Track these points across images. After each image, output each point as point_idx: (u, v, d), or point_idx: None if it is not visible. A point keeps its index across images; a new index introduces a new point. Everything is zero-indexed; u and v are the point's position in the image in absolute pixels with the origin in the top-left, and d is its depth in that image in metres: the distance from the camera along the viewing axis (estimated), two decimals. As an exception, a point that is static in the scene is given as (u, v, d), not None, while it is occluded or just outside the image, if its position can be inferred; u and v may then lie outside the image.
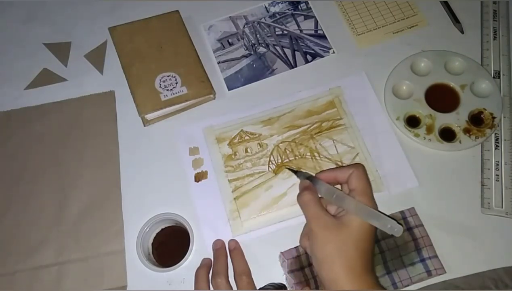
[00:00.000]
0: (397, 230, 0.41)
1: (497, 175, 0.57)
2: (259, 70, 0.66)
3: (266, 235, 0.56)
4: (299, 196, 0.47)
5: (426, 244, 0.52)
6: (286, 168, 0.56)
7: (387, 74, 0.63)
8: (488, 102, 0.60)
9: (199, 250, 0.55)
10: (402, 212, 0.55)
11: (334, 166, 0.58)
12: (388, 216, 0.43)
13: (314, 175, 0.49)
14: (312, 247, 0.44)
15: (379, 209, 0.55)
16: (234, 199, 0.58)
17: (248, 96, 0.65)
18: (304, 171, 0.53)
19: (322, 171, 0.50)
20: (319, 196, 0.47)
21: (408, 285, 0.51)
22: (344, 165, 0.58)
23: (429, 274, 0.51)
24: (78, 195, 0.59)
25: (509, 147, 0.59)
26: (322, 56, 0.67)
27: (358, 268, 0.42)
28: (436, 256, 0.52)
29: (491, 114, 0.59)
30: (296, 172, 0.52)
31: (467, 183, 0.57)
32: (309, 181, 0.48)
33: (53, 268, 0.55)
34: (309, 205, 0.45)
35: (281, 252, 0.53)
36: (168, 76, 0.63)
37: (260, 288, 0.51)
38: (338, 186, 0.49)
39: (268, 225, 0.56)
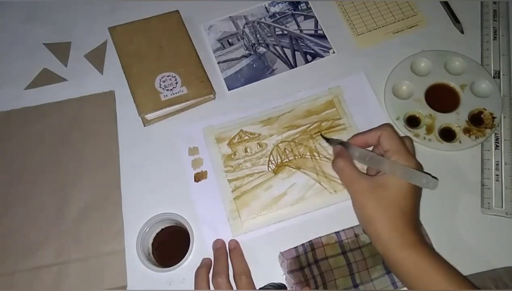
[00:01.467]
0: (432, 184, 0.42)
1: (497, 175, 0.57)
2: (259, 70, 0.66)
3: (266, 235, 0.56)
4: (333, 163, 0.48)
5: (425, 243, 0.52)
6: (320, 135, 0.56)
7: (387, 74, 0.63)
8: (488, 102, 0.60)
9: (199, 250, 0.55)
10: (402, 212, 0.55)
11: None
12: (424, 171, 0.43)
13: (345, 141, 0.51)
14: (354, 210, 0.46)
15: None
16: (234, 199, 0.58)
17: (248, 96, 0.65)
18: (335, 138, 0.54)
19: (353, 136, 0.51)
20: (354, 160, 0.48)
21: None
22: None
23: (429, 274, 0.51)
24: (78, 195, 0.59)
25: (509, 146, 0.59)
26: (322, 56, 0.67)
27: (400, 226, 0.43)
28: (435, 256, 0.52)
29: (491, 114, 0.59)
30: (328, 140, 0.53)
31: (467, 183, 0.57)
32: (341, 146, 0.49)
33: (53, 268, 0.55)
34: (344, 170, 0.46)
35: (281, 252, 0.53)
36: (168, 76, 0.63)
37: (260, 288, 0.51)
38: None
39: (268, 225, 0.56)
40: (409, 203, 0.44)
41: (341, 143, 0.50)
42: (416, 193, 0.45)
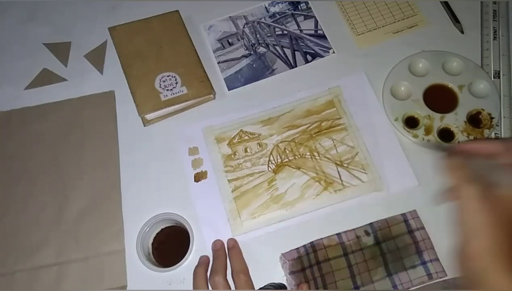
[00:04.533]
0: None
1: (496, 175, 0.57)
2: (259, 70, 0.66)
3: (266, 235, 0.56)
4: (456, 189, 0.38)
5: (427, 247, 0.52)
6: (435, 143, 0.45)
7: (386, 74, 0.63)
8: (486, 102, 0.60)
9: (199, 250, 0.55)
10: (403, 215, 0.55)
11: (334, 166, 0.58)
12: None
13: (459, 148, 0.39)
14: (458, 217, 0.37)
15: (379, 209, 0.55)
16: (234, 198, 0.58)
17: (248, 96, 0.65)
18: (444, 144, 0.43)
19: (468, 143, 0.40)
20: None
21: (408, 288, 0.51)
22: (344, 164, 0.58)
23: (430, 277, 0.51)
24: (78, 195, 0.59)
25: (509, 147, 0.59)
26: (322, 56, 0.67)
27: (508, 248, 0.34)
28: (437, 259, 0.52)
29: (489, 114, 0.59)
30: (439, 147, 0.43)
31: (466, 183, 0.57)
32: (460, 159, 0.37)
33: (53, 268, 0.56)
34: (471, 199, 0.37)
35: (282, 254, 0.53)
36: (168, 76, 0.63)
37: (260, 288, 0.51)
38: None
39: (268, 225, 0.56)
40: None
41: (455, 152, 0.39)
42: None
